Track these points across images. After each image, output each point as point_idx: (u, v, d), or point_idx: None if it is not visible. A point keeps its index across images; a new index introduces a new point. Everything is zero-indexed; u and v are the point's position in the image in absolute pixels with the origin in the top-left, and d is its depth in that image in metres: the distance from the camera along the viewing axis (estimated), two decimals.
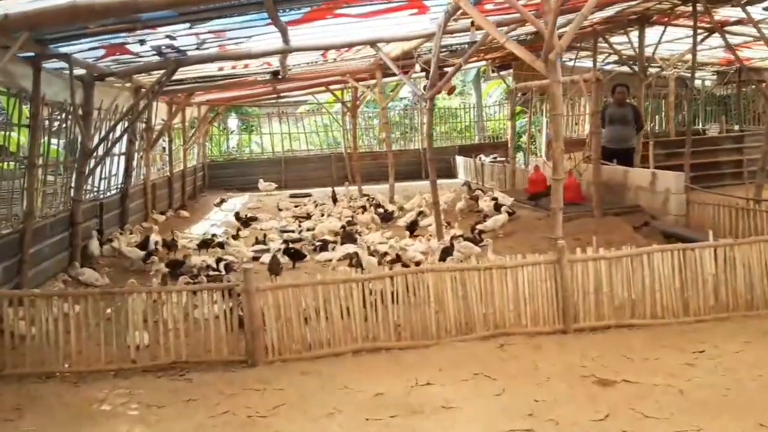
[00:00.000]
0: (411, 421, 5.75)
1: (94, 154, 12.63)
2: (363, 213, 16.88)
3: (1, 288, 8.94)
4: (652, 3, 15.26)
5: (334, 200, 19.53)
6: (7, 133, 11.57)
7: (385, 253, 11.63)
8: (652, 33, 17.49)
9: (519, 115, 24.84)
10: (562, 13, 9.57)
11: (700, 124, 26.21)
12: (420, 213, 15.77)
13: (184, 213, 20.07)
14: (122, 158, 16.33)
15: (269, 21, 9.86)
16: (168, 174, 21.38)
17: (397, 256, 11.13)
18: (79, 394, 6.85)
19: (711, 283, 8.17)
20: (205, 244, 13.54)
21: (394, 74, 14.29)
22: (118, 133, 14.07)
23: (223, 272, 10.81)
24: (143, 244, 13.19)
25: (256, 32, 11.11)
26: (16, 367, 7.29)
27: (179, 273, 10.82)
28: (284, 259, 12.15)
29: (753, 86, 22.20)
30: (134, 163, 16.89)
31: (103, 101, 13.65)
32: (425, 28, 13.23)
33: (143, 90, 13.99)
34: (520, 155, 24.55)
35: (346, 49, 15.13)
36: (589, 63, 21.82)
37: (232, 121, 33.53)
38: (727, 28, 15.51)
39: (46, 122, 11.81)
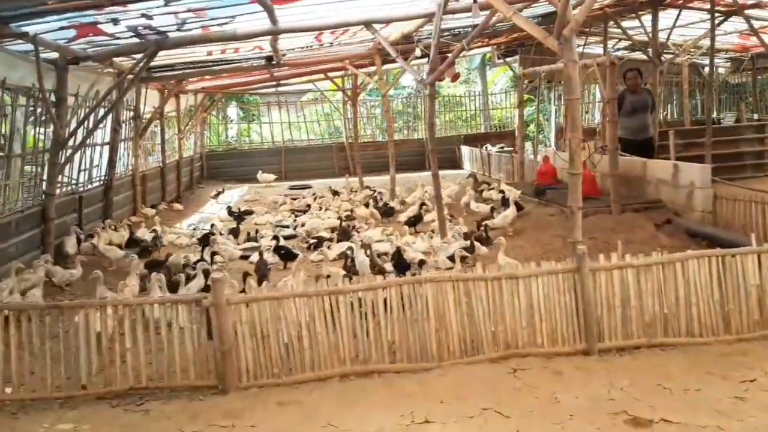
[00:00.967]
0: None
1: (68, 143, 11.61)
2: (367, 207, 16.02)
3: None
4: None
5: (334, 193, 18.71)
6: None
7: (384, 254, 10.62)
8: (664, 17, 16.64)
9: (526, 103, 23.87)
10: None
11: (715, 112, 25.20)
12: (422, 206, 14.69)
13: (178, 206, 19.19)
14: (106, 148, 15.29)
15: None
16: (160, 164, 20.43)
17: (398, 253, 10.10)
18: (15, 430, 5.81)
19: (755, 295, 7.06)
20: (206, 240, 12.38)
21: (394, 61, 13.36)
22: (97, 121, 13.02)
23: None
24: (131, 241, 12.36)
25: (240, 11, 10.21)
26: None
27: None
28: (275, 259, 11.13)
29: None
30: (119, 153, 15.87)
31: (80, 87, 12.63)
32: (425, 7, 12.34)
33: (127, 76, 12.87)
34: (528, 145, 23.57)
35: (341, 32, 14.29)
36: (598, 49, 20.84)
37: (232, 110, 32.69)
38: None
39: (8, 109, 10.81)
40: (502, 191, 14.63)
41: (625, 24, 17.68)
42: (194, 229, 14.61)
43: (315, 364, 6.57)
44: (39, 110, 11.91)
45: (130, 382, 6.39)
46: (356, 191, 19.56)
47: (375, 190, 18.66)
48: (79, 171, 14.01)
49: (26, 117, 11.58)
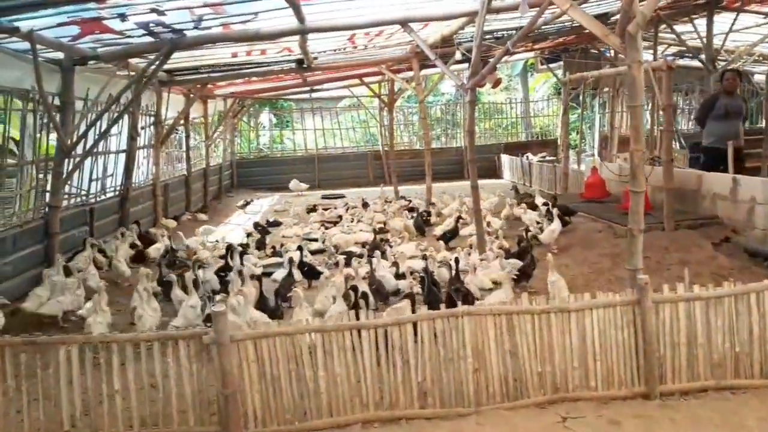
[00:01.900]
0: None
1: (76, 151, 10.89)
2: (408, 216, 15.44)
3: None
4: None
5: (363, 205, 17.87)
6: None
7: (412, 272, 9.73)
8: (716, 22, 15.69)
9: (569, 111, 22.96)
10: None
11: (764, 122, 24.07)
12: (458, 219, 13.79)
13: (202, 216, 18.49)
14: (122, 156, 14.64)
15: None
16: (185, 173, 19.80)
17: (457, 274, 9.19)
18: None
19: None
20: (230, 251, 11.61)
21: (432, 65, 12.49)
22: (107, 127, 12.24)
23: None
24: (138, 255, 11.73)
25: (262, 7, 9.48)
26: None
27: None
28: (298, 276, 10.32)
29: None
30: (138, 161, 15.16)
31: (90, 90, 11.91)
32: (466, 5, 11.51)
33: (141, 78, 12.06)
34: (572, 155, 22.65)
35: (376, 33, 13.48)
36: (647, 55, 19.77)
37: (265, 117, 32.10)
38: None
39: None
40: (546, 203, 13.72)
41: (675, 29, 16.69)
42: (216, 242, 13.75)
43: (333, 409, 5.71)
44: (26, 116, 11.18)
45: (120, 428, 5.54)
46: (390, 201, 18.82)
47: (410, 200, 18.04)
48: (90, 181, 13.32)
49: (35, 122, 10.88)
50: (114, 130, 13.80)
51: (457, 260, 9.28)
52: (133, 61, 12.36)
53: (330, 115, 29.89)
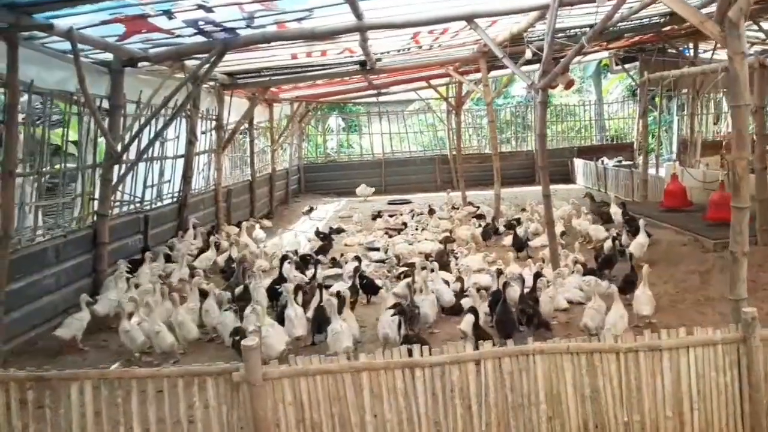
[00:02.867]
0: None
1: (127, 156, 10.42)
2: (476, 225, 14.91)
3: None
4: None
5: (430, 212, 17.24)
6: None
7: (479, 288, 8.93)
8: None
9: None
10: None
11: None
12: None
13: (267, 222, 18.04)
14: (180, 162, 14.20)
15: None
16: (249, 178, 19.50)
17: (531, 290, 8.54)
18: None
19: None
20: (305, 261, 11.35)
21: (501, 66, 11.62)
22: (158, 132, 11.85)
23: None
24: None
25: (317, 2, 8.95)
26: None
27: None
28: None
29: None
30: (198, 166, 14.70)
31: (143, 93, 11.39)
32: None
33: (194, 79, 11.47)
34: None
35: (441, 31, 12.77)
36: (721, 55, 18.59)
37: (333, 120, 31.86)
38: None
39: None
40: (627, 214, 12.77)
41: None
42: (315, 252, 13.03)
43: None
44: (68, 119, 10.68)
45: None
46: (458, 208, 18.25)
47: (478, 207, 17.57)
48: (145, 187, 12.84)
49: (88, 126, 10.44)
50: (171, 134, 13.37)
51: (537, 275, 8.65)
52: (189, 63, 11.86)
53: (398, 118, 29.58)
